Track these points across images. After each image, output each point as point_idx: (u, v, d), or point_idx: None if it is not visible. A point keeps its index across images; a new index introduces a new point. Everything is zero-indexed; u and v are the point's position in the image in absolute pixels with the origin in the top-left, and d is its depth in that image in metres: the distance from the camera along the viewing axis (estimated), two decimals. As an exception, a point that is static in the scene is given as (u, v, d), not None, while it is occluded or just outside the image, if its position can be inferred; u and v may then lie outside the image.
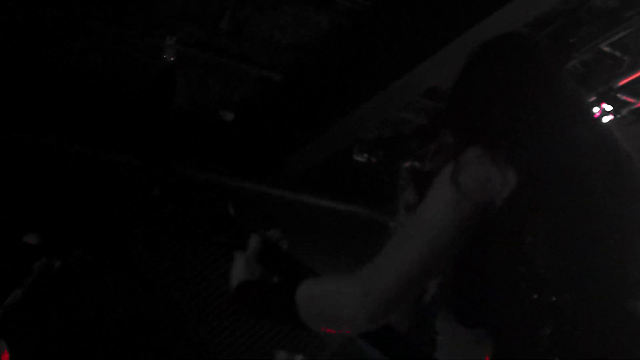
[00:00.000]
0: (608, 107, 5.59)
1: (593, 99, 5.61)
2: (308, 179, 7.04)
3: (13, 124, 5.70)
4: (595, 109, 5.62)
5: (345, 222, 7.37)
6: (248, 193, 6.80)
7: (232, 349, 6.90)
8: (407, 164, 7.15)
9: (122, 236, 6.23)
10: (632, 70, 5.47)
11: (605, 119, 5.64)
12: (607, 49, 5.37)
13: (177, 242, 6.61)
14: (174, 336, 6.60)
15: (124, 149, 6.26)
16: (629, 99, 5.72)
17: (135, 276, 6.41)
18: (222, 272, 6.81)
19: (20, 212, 5.25)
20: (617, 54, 5.43)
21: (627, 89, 5.64)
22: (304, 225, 7.24)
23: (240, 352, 6.92)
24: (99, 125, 6.08)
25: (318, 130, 6.37)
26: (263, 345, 7.02)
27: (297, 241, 7.07)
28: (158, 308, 6.61)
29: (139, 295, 6.47)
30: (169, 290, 6.64)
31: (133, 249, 6.37)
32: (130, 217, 6.17)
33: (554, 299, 1.84)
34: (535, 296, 1.85)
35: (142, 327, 6.34)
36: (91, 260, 5.46)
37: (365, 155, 6.98)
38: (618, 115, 5.67)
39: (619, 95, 5.64)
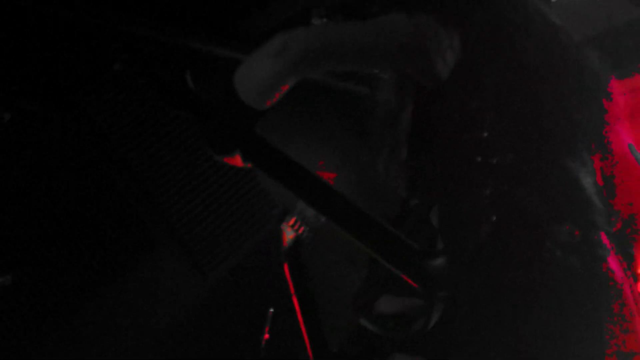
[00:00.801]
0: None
1: None
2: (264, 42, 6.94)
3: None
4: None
5: (297, 86, 7.32)
6: (200, 54, 6.70)
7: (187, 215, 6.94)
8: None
9: (78, 90, 6.15)
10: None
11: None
12: None
13: (135, 104, 6.56)
14: (127, 194, 6.65)
15: (85, 5, 6.06)
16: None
17: (90, 134, 6.38)
18: (181, 140, 6.81)
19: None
20: None
21: None
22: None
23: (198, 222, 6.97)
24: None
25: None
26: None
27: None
28: (113, 169, 6.62)
29: (92, 154, 6.46)
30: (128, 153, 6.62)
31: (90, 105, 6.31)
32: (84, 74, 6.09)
33: (495, 160, 1.92)
34: (479, 159, 1.92)
35: (94, 185, 6.36)
36: (43, 114, 5.39)
37: (324, 20, 6.86)
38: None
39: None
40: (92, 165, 6.40)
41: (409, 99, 2.21)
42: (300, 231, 2.73)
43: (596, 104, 2.08)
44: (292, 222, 2.73)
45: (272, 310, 5.77)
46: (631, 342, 1.93)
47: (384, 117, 2.39)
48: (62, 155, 6.07)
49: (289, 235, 2.75)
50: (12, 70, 5.29)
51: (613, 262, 1.97)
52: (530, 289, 1.91)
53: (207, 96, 2.32)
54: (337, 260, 6.73)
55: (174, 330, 6.86)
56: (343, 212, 2.11)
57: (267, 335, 5.75)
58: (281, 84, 2.04)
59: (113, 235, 6.48)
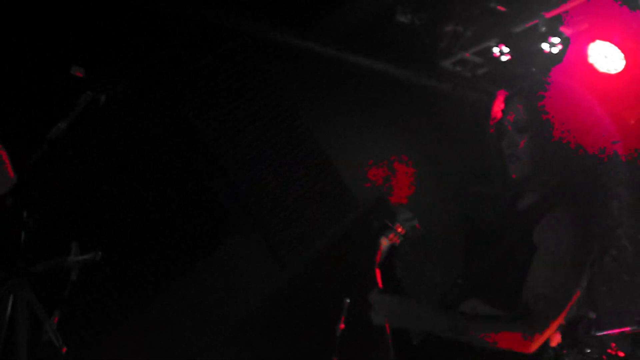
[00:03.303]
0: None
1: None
2: (350, 38, 7.03)
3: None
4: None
5: (384, 82, 7.38)
6: (290, 47, 6.82)
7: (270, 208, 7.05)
8: (449, 29, 7.10)
9: (168, 77, 6.33)
10: None
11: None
12: None
13: (227, 93, 6.71)
14: (209, 180, 6.79)
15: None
16: None
17: (177, 120, 6.54)
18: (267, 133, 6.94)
19: (66, 45, 5.32)
20: None
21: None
22: (342, 82, 7.28)
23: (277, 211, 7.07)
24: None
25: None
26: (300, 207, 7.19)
27: (334, 99, 7.11)
28: (197, 155, 6.77)
29: (179, 140, 6.62)
30: (213, 141, 6.77)
31: (179, 92, 6.48)
32: (177, 60, 6.25)
33: None
34: None
35: (179, 170, 6.52)
36: (135, 98, 5.56)
37: (409, 16, 6.91)
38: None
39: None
40: (179, 152, 6.57)
41: None
42: (397, 242, 2.87)
43: None
44: (391, 236, 2.86)
45: (348, 300, 5.83)
46: None
47: None
48: (151, 139, 6.26)
49: (385, 247, 2.88)
50: (110, 55, 5.48)
51: None
52: None
53: None
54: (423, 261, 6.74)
55: (250, 319, 6.96)
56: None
57: (342, 325, 5.81)
58: None
59: (195, 222, 6.62)
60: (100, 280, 5.26)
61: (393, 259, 2.85)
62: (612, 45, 6.50)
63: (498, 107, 2.82)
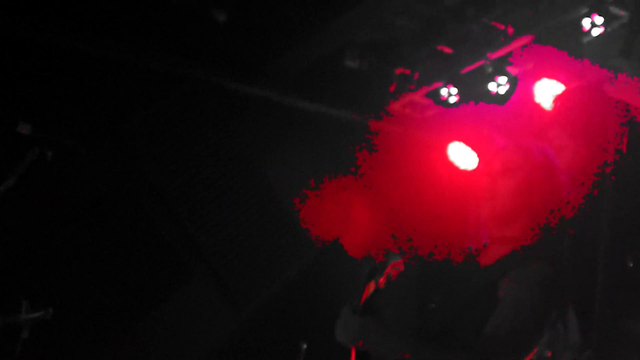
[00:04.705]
0: (599, 20, 5.65)
1: (584, 11, 5.70)
2: (298, 83, 7.07)
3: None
4: (586, 22, 5.70)
5: (333, 126, 7.41)
6: (237, 93, 6.85)
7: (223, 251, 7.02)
8: (397, 71, 7.18)
9: (117, 129, 6.32)
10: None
11: (595, 32, 5.70)
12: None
13: (177, 140, 6.70)
14: (163, 228, 6.76)
15: (118, 44, 6.26)
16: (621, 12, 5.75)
17: (128, 170, 6.51)
18: (220, 176, 6.92)
19: (13, 102, 5.31)
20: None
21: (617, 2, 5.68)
22: (291, 128, 7.30)
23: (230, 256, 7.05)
24: (94, 18, 6.05)
25: (311, 32, 6.40)
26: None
27: (286, 144, 7.11)
28: (150, 204, 6.74)
29: (130, 189, 6.60)
30: (165, 189, 6.75)
31: (128, 143, 6.46)
32: (126, 110, 6.26)
33: None
34: None
35: (132, 219, 6.49)
36: (84, 151, 5.53)
37: (357, 60, 6.98)
38: (608, 29, 5.73)
39: (610, 8, 5.68)
40: (131, 202, 6.54)
41: None
42: (382, 286, 2.84)
43: None
44: (381, 280, 2.84)
45: (305, 345, 5.82)
46: None
47: None
48: (102, 191, 6.23)
49: (370, 289, 2.85)
50: (56, 108, 5.47)
51: None
52: None
53: None
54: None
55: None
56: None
57: (299, 371, 5.78)
58: None
59: (149, 270, 6.59)
60: (52, 336, 5.20)
61: (373, 303, 2.82)
62: (559, 83, 6.50)
63: None
